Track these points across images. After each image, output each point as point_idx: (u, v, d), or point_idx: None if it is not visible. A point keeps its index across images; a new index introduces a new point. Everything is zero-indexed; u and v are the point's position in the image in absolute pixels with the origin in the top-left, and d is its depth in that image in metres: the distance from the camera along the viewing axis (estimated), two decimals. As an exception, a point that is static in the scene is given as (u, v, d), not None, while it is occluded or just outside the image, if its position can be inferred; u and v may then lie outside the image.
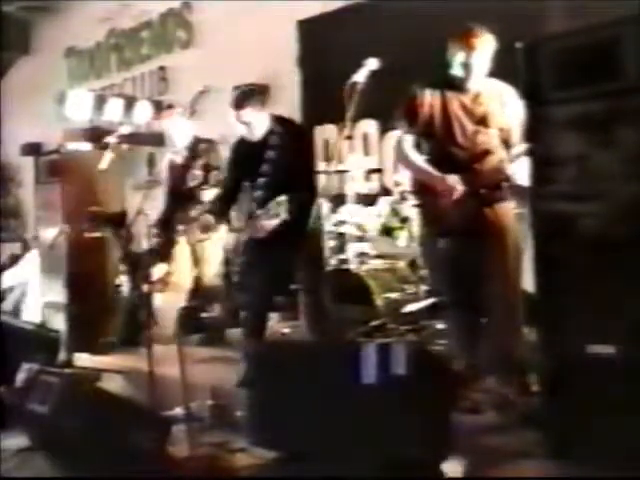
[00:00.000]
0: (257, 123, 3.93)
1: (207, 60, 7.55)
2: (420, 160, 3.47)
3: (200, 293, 4.98)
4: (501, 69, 3.30)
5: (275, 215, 3.71)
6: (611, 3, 3.34)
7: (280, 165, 3.89)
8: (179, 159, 4.93)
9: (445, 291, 3.64)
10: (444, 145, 3.42)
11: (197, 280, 4.94)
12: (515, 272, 3.32)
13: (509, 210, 3.40)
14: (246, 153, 4.04)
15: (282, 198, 3.69)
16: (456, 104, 3.39)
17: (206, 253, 4.88)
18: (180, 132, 4.96)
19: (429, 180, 3.42)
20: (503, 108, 3.39)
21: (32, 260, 6.33)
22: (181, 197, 4.87)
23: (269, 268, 3.88)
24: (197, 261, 4.92)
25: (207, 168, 4.77)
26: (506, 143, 3.43)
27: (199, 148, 4.85)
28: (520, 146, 3.32)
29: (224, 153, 4.51)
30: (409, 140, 3.49)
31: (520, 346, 3.31)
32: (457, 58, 3.33)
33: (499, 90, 3.42)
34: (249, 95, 3.96)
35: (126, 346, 4.95)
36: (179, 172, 4.90)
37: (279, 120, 3.99)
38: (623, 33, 2.47)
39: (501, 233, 3.32)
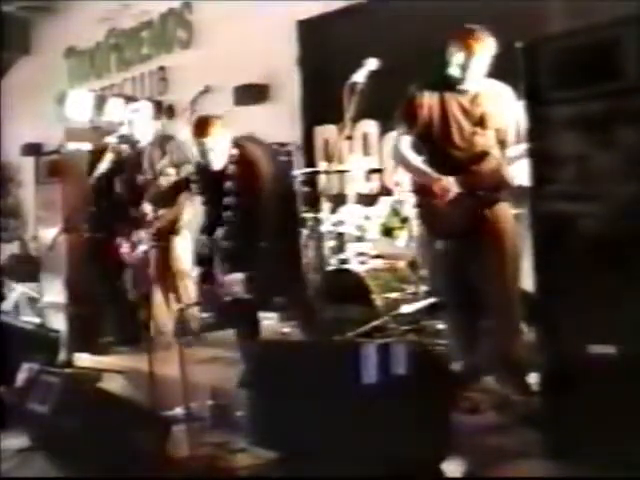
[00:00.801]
0: (220, 150, 3.88)
1: (207, 60, 7.53)
2: (417, 161, 3.47)
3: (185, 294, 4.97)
4: (501, 69, 3.30)
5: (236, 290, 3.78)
6: (611, 3, 3.34)
7: (239, 199, 3.89)
8: (144, 156, 4.84)
9: (444, 292, 3.64)
10: (442, 146, 3.42)
11: (177, 281, 4.93)
12: (513, 273, 3.33)
13: (507, 211, 3.40)
14: (208, 181, 4.03)
15: (239, 277, 3.76)
16: (455, 105, 3.39)
17: (177, 251, 4.87)
18: (142, 127, 4.88)
19: (425, 181, 3.42)
20: (501, 109, 3.40)
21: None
22: (147, 196, 4.80)
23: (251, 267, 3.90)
24: (172, 262, 4.90)
25: (178, 165, 4.73)
26: (502, 144, 3.43)
27: (166, 144, 4.78)
28: (516, 147, 3.34)
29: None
30: (407, 141, 3.49)
31: (519, 346, 3.31)
32: (456, 60, 3.33)
33: (497, 91, 3.42)
34: (213, 121, 3.89)
35: (126, 346, 4.95)
36: (144, 170, 4.83)
37: (239, 146, 3.93)
38: (623, 33, 2.47)
39: (499, 234, 3.32)
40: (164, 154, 4.74)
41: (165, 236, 4.79)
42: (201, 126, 3.87)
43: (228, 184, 3.88)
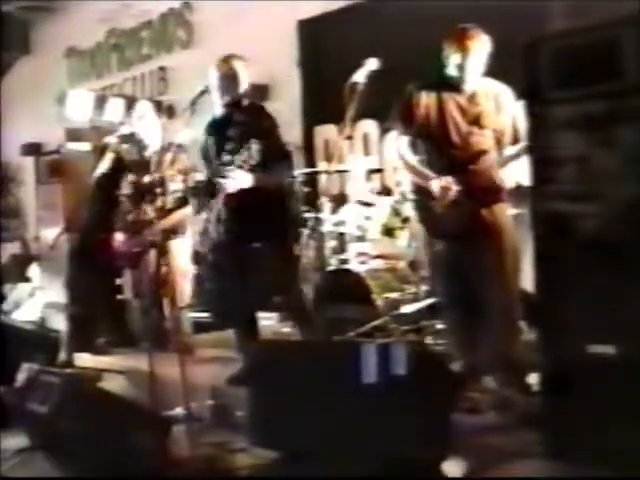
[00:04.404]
0: (242, 77, 3.98)
1: (207, 60, 7.52)
2: (415, 161, 3.47)
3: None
4: (501, 69, 3.30)
5: (245, 162, 3.71)
6: (611, 3, 3.34)
7: (247, 130, 3.87)
8: (152, 160, 4.83)
9: (444, 292, 3.64)
10: (440, 146, 3.42)
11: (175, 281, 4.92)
12: (512, 272, 3.33)
13: (505, 211, 3.40)
14: (216, 128, 4.03)
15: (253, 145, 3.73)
16: (452, 104, 3.39)
17: (174, 252, 4.86)
18: (151, 132, 4.88)
19: (424, 181, 3.42)
20: (498, 109, 3.39)
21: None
22: (151, 199, 4.80)
23: (247, 268, 3.89)
24: (167, 261, 4.89)
25: (185, 172, 4.74)
26: (500, 144, 3.43)
27: (174, 150, 4.79)
28: (512, 148, 3.34)
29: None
30: (405, 141, 3.50)
31: (518, 346, 3.31)
32: (452, 59, 3.33)
33: (495, 90, 3.42)
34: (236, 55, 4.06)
35: (126, 347, 4.95)
36: (151, 174, 4.82)
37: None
38: (623, 33, 2.47)
39: (498, 234, 3.32)
40: (173, 160, 4.76)
41: (166, 238, 4.79)
42: (227, 60, 4.04)
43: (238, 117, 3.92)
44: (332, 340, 4.20)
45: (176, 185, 4.70)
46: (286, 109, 4.04)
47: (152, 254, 4.74)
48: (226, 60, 3.98)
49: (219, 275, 4.01)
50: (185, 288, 4.90)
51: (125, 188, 4.95)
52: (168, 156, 4.66)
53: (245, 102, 3.99)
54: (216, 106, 4.03)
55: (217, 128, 4.02)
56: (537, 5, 4.77)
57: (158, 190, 4.64)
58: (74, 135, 7.10)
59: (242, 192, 3.77)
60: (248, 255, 3.85)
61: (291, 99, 6.80)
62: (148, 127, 4.88)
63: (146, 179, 4.79)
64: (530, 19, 4.60)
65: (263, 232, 3.84)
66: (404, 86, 3.49)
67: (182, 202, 4.69)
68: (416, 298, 4.60)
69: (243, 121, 3.89)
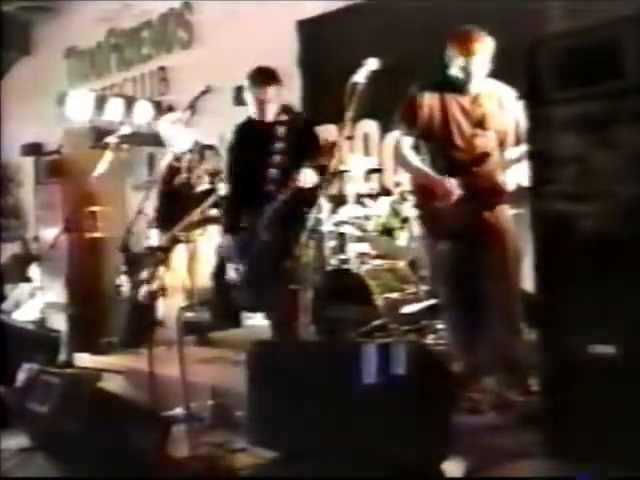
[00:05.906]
0: (274, 104, 3.96)
1: (207, 60, 7.54)
2: (418, 162, 3.47)
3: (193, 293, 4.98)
4: (501, 69, 3.30)
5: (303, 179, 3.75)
6: (611, 3, 3.34)
7: (293, 144, 3.95)
8: (183, 162, 4.93)
9: (445, 292, 3.64)
10: (442, 147, 3.42)
11: (191, 280, 4.94)
12: (514, 274, 3.33)
13: (507, 212, 3.40)
14: (254, 135, 4.04)
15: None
16: (455, 106, 3.39)
17: (200, 253, 4.89)
18: (178, 135, 4.96)
19: (427, 182, 3.42)
20: (501, 109, 3.39)
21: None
22: (181, 198, 4.88)
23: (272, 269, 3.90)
24: (191, 261, 4.92)
25: (214, 173, 4.77)
26: (503, 145, 3.42)
27: (204, 152, 4.87)
28: (516, 149, 3.33)
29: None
30: (407, 142, 3.49)
31: (519, 346, 3.31)
32: (456, 62, 3.32)
33: (498, 91, 3.42)
34: (274, 75, 4.00)
35: (127, 348, 4.95)
36: (182, 174, 4.91)
37: (287, 109, 4.11)
38: (623, 33, 2.47)
39: (500, 235, 3.32)
40: (202, 161, 4.83)
41: (193, 234, 4.85)
42: (262, 72, 3.99)
43: (281, 130, 3.97)
44: (332, 340, 4.20)
45: (205, 185, 4.75)
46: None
47: (179, 249, 4.80)
48: (260, 82, 3.99)
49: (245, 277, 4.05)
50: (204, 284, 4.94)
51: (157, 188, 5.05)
52: (197, 157, 4.78)
53: (285, 117, 4.09)
54: (254, 119, 4.07)
55: (255, 141, 4.05)
56: (537, 6, 4.77)
57: (187, 191, 4.76)
58: (74, 135, 7.10)
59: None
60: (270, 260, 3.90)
61: (291, 99, 6.79)
62: (178, 131, 4.95)
63: (176, 180, 4.90)
64: (530, 20, 4.60)
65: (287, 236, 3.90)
66: (404, 86, 3.49)
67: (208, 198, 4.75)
68: (416, 298, 4.60)
69: (285, 136, 4.00)
